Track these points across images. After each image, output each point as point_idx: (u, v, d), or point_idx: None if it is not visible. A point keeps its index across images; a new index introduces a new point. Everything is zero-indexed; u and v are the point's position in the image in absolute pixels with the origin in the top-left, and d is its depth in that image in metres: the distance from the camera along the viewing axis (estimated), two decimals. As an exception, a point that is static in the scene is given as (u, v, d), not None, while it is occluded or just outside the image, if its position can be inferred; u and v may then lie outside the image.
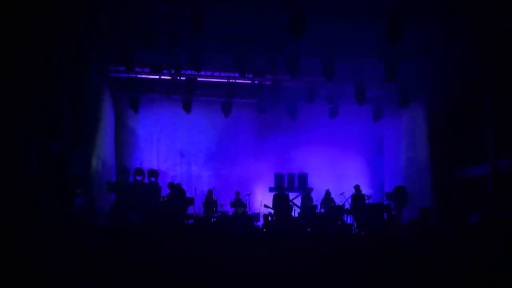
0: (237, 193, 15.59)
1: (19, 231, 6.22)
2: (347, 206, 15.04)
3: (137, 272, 5.57)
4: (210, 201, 15.36)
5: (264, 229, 13.12)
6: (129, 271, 5.59)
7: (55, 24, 9.13)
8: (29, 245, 5.80)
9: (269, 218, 13.81)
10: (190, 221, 14.31)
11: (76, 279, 5.37)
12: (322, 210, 15.00)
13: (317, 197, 15.63)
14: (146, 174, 14.24)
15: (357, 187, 15.17)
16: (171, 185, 14.42)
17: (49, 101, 9.44)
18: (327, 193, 15.27)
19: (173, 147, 17.65)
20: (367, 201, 15.03)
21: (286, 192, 15.12)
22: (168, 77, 15.65)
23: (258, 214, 15.67)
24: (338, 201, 15.30)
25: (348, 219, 14.99)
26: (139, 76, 15.42)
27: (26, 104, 8.36)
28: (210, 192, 15.54)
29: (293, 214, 14.76)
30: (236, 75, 15.23)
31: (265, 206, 14.41)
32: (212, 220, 14.92)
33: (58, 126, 10.07)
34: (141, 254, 6.30)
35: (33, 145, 8.71)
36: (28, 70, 8.34)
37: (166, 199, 13.87)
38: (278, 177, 17.16)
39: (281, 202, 14.22)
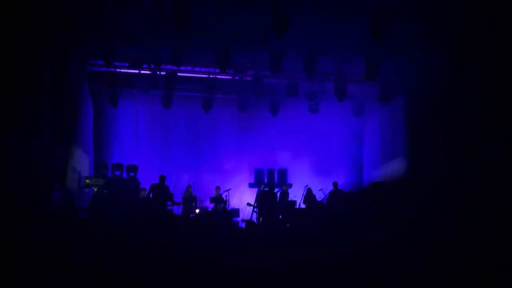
0: (217, 188, 15.57)
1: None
2: (325, 202, 15.17)
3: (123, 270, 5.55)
4: (189, 196, 15.31)
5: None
6: (113, 268, 5.57)
7: (34, 20, 9.00)
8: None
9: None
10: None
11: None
12: (304, 206, 15.08)
13: (296, 192, 15.69)
14: (124, 169, 14.16)
15: (335, 184, 15.31)
16: (162, 177, 14.18)
17: (29, 96, 9.32)
18: (309, 190, 15.36)
19: (152, 142, 17.55)
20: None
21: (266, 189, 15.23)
22: (148, 72, 15.54)
23: (238, 210, 15.71)
24: (317, 197, 15.41)
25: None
26: (118, 70, 15.28)
27: (6, 99, 8.24)
28: (189, 187, 15.49)
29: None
30: (217, 70, 15.19)
31: (248, 204, 14.44)
32: (191, 215, 14.90)
33: (38, 121, 9.94)
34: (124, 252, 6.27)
35: (13, 140, 8.60)
36: (7, 66, 8.22)
37: (150, 194, 13.73)
38: (258, 173, 17.22)
39: (265, 199, 14.22)
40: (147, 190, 14.13)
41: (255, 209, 14.50)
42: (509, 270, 5.28)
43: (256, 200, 14.46)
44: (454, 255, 5.58)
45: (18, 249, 5.62)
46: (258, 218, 14.13)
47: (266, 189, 14.47)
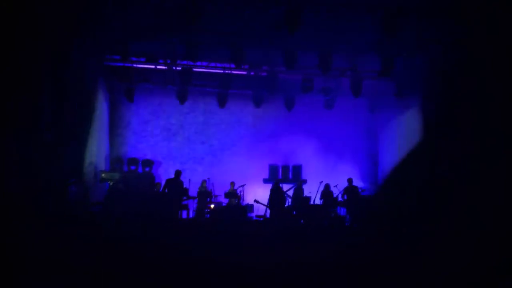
0: (232, 184, 15.60)
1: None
2: (340, 198, 15.11)
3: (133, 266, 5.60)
4: (204, 192, 15.37)
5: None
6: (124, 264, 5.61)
7: (34, 19, 9.03)
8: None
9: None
10: (184, 212, 14.40)
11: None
12: (321, 202, 15.04)
13: (311, 188, 15.65)
14: (140, 164, 14.27)
15: (350, 180, 15.24)
16: (177, 172, 14.29)
17: (29, 96, 9.37)
18: (326, 186, 15.31)
19: (167, 137, 17.64)
20: (360, 192, 15.13)
21: (280, 185, 15.27)
22: (163, 67, 15.59)
23: (252, 205, 15.72)
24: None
25: (342, 212, 15.09)
26: (134, 65, 15.36)
27: (6, 99, 8.31)
28: (204, 182, 15.55)
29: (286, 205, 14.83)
30: (232, 66, 15.19)
31: (256, 201, 14.45)
32: (206, 210, 14.97)
33: (38, 121, 10.00)
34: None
35: (13, 140, 8.66)
36: (7, 66, 8.29)
37: (166, 189, 13.81)
38: (273, 169, 17.23)
39: (276, 195, 14.26)
40: (162, 185, 14.22)
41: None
42: (509, 270, 5.21)
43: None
44: (454, 255, 5.53)
45: (18, 249, 5.68)
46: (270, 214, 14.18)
47: (280, 184, 14.48)
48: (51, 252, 5.69)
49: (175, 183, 14.21)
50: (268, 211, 14.21)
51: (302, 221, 14.00)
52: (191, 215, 15.20)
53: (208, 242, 7.54)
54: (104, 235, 6.83)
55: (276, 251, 6.85)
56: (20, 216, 7.01)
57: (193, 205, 15.39)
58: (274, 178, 16.33)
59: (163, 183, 14.29)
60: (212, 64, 15.79)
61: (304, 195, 15.29)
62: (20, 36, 8.44)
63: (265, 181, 17.09)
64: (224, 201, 15.61)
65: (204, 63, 15.62)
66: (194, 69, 15.44)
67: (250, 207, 15.63)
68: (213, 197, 15.56)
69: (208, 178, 15.86)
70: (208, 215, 14.84)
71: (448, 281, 5.17)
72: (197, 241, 7.88)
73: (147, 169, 14.26)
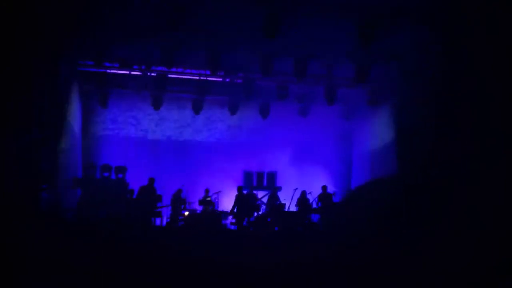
0: (207, 190, 15.53)
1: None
2: (315, 205, 15.22)
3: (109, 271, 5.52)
4: (178, 199, 15.25)
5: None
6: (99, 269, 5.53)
7: (32, 20, 8.92)
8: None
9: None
10: (158, 219, 14.27)
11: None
12: (297, 209, 15.11)
13: (285, 195, 15.71)
14: (113, 170, 14.08)
15: (324, 187, 15.40)
16: (151, 179, 14.26)
17: (17, 96, 9.21)
18: (303, 193, 15.39)
19: (141, 143, 17.48)
20: (333, 198, 15.30)
21: (254, 192, 15.34)
22: (138, 73, 15.47)
23: (227, 212, 15.67)
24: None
25: (315, 219, 15.18)
26: (108, 71, 15.19)
27: (15, 95, 8.18)
28: (179, 191, 15.40)
29: (259, 213, 14.85)
30: (208, 72, 15.17)
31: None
32: (180, 217, 14.84)
33: (25, 122, 9.83)
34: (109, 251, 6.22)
35: (8, 140, 8.51)
36: (16, 63, 8.16)
37: (139, 196, 13.71)
38: (247, 176, 17.24)
39: (242, 202, 14.34)
40: (136, 192, 14.07)
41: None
42: (509, 270, 5.30)
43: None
44: (454, 255, 5.60)
45: (18, 249, 5.57)
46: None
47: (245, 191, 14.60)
48: (51, 252, 5.58)
49: (148, 190, 14.12)
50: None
51: (276, 228, 14.03)
52: (164, 222, 15.06)
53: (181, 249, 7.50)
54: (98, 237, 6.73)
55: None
56: (20, 216, 6.87)
57: (167, 212, 15.25)
58: (249, 184, 16.33)
59: (136, 189, 14.15)
60: (188, 71, 15.73)
61: (279, 202, 15.34)
62: (20, 36, 8.31)
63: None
64: (199, 208, 15.51)
65: (180, 69, 15.55)
66: (169, 75, 15.37)
67: (224, 215, 15.57)
68: (187, 204, 15.46)
69: (183, 185, 15.75)
70: (182, 222, 14.72)
71: (448, 281, 5.23)
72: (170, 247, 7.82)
73: (120, 176, 14.05)
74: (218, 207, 15.37)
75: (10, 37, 8.28)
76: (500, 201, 6.27)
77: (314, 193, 15.40)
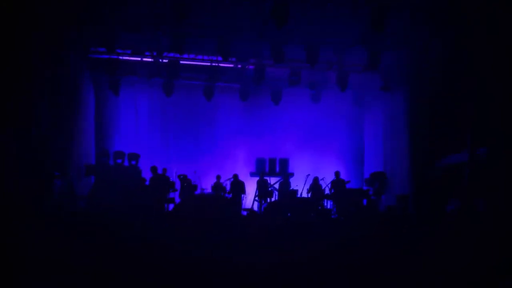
0: (218, 177, 15.57)
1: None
2: (327, 191, 15.18)
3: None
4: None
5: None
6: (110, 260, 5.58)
7: (33, 13, 8.92)
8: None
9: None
10: (171, 206, 14.34)
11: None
12: (309, 195, 15.10)
13: (297, 181, 15.68)
14: (126, 157, 14.14)
15: (337, 173, 15.33)
16: (153, 169, 14.38)
17: (27, 87, 9.26)
18: (315, 179, 15.36)
19: (153, 130, 17.52)
20: (346, 186, 15.22)
21: (265, 178, 15.36)
22: (150, 60, 15.47)
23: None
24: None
25: (328, 204, 15.14)
26: (120, 57, 15.21)
27: (15, 95, 8.22)
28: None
29: (273, 199, 14.89)
30: (219, 58, 15.11)
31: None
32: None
33: (36, 112, 9.90)
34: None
35: (11, 132, 8.57)
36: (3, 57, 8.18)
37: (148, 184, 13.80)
38: (260, 162, 17.23)
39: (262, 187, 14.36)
40: (148, 179, 14.17)
41: (256, 198, 14.56)
42: (509, 270, 5.27)
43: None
44: (454, 255, 5.57)
45: (18, 249, 5.63)
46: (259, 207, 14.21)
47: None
48: (51, 252, 5.64)
49: (161, 177, 14.21)
50: (256, 204, 14.26)
51: (289, 214, 14.03)
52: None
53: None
54: (101, 233, 6.78)
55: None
56: (20, 216, 6.95)
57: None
58: (261, 171, 16.33)
59: (149, 176, 14.25)
60: (199, 57, 15.70)
61: (291, 188, 15.34)
62: (20, 36, 8.34)
63: (252, 174, 17.09)
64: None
65: (191, 56, 15.53)
66: (181, 62, 15.34)
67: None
68: (200, 190, 15.51)
69: (195, 171, 15.81)
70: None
71: (448, 281, 5.22)
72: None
73: (133, 162, 14.11)
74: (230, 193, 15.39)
75: (10, 37, 8.29)
76: (500, 201, 6.22)
77: (326, 179, 15.35)
